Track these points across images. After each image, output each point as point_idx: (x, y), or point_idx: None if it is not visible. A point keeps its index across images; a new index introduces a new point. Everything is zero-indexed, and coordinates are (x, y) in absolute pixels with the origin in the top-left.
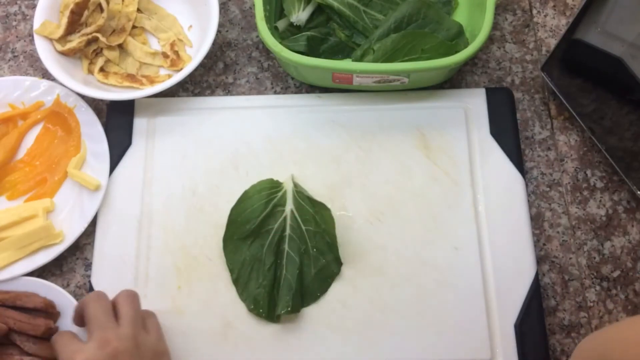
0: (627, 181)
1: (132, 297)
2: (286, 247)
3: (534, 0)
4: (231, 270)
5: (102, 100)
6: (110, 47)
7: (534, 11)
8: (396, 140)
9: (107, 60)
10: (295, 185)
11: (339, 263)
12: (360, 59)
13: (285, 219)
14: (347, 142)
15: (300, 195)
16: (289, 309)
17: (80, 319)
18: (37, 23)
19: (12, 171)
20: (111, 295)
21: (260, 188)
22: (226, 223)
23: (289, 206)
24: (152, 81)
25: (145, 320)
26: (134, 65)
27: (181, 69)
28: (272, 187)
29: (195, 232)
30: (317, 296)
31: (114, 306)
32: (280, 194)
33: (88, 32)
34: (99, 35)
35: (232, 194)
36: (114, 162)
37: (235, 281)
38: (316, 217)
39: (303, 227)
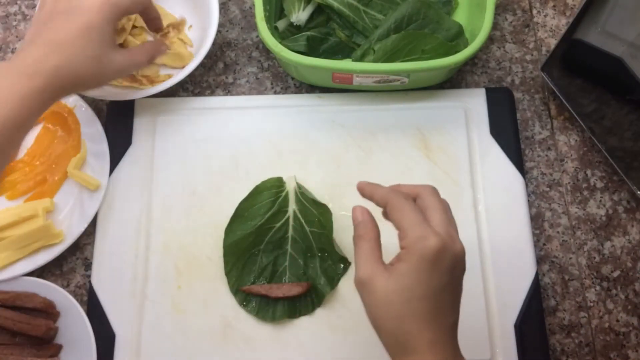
0: (627, 181)
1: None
2: (289, 248)
3: (534, 0)
4: (225, 262)
5: (102, 100)
6: None
7: (534, 11)
8: (396, 140)
9: None
10: (299, 186)
11: (346, 262)
12: (361, 59)
13: (287, 220)
14: (347, 142)
15: (304, 196)
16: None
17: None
18: None
19: (12, 171)
20: (111, 295)
21: (270, 185)
22: (231, 216)
23: (292, 207)
24: (152, 81)
25: None
26: None
27: (183, 66)
28: (279, 186)
29: (195, 232)
30: (324, 294)
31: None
32: (283, 194)
33: None
34: None
35: (232, 193)
36: (114, 162)
37: (228, 273)
38: (321, 219)
39: (307, 229)
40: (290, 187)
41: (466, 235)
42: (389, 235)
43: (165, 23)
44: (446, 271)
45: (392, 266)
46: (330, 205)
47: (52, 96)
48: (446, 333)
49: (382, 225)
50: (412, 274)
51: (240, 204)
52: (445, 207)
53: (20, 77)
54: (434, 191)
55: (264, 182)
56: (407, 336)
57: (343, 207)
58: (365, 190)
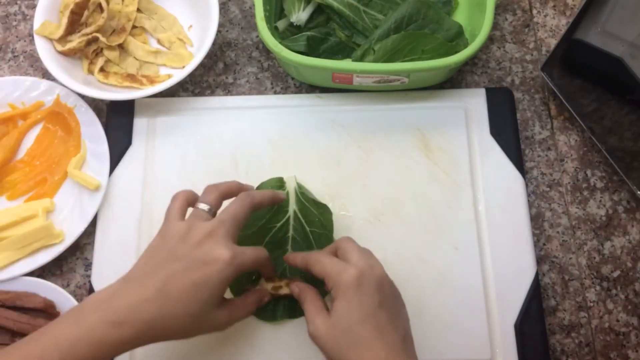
0: (627, 181)
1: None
2: (289, 248)
3: (534, 0)
4: None
5: (102, 100)
6: (110, 47)
7: (534, 11)
8: (396, 140)
9: (107, 60)
10: (300, 186)
11: None
12: (361, 59)
13: (288, 220)
14: (347, 142)
15: (304, 196)
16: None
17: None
18: (37, 23)
19: (12, 171)
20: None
21: (271, 185)
22: None
23: (292, 207)
24: (152, 81)
25: None
26: (134, 65)
27: (183, 66)
28: (279, 187)
29: None
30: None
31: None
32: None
33: (88, 32)
34: (99, 35)
35: None
36: (114, 162)
37: (233, 285)
38: (321, 219)
39: (308, 229)
40: (290, 187)
41: (466, 235)
42: (384, 235)
43: (168, 27)
44: (374, 292)
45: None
46: (330, 205)
47: (134, 345)
48: (396, 349)
49: (382, 225)
50: (343, 305)
51: None
52: (359, 246)
53: (104, 325)
54: (349, 238)
55: (264, 182)
56: None
57: (343, 207)
58: (289, 260)
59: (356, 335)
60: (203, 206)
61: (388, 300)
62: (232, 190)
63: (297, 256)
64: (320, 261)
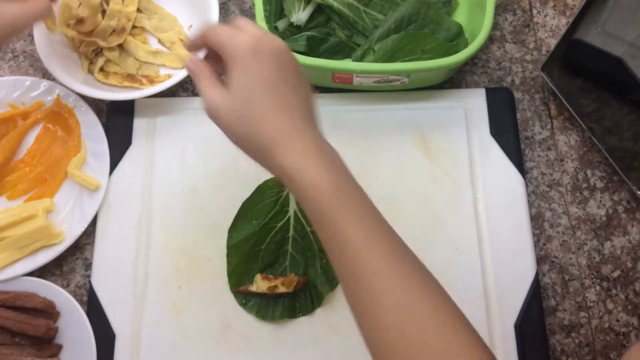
0: (627, 181)
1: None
2: (289, 248)
3: (534, 0)
4: (228, 263)
5: (102, 100)
6: (110, 47)
7: (534, 11)
8: (396, 140)
9: (107, 60)
10: None
11: None
12: (361, 59)
13: (289, 220)
14: (347, 142)
15: None
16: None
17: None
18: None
19: (12, 171)
20: (111, 295)
21: (272, 184)
22: (235, 215)
23: (293, 207)
24: (152, 81)
25: None
26: (134, 65)
27: (183, 66)
28: (280, 186)
29: (195, 232)
30: (324, 294)
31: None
32: (284, 194)
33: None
34: (97, 40)
35: (232, 194)
36: (114, 162)
37: (230, 273)
38: None
39: (308, 229)
40: None
41: (466, 235)
42: None
43: (168, 27)
44: (271, 60)
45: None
46: None
47: None
48: (299, 120)
49: None
50: (240, 75)
51: (244, 203)
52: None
53: None
54: (245, 18)
55: (265, 182)
56: (262, 135)
57: None
58: (190, 45)
59: (257, 106)
60: None
61: (288, 71)
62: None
63: (194, 37)
64: (216, 32)
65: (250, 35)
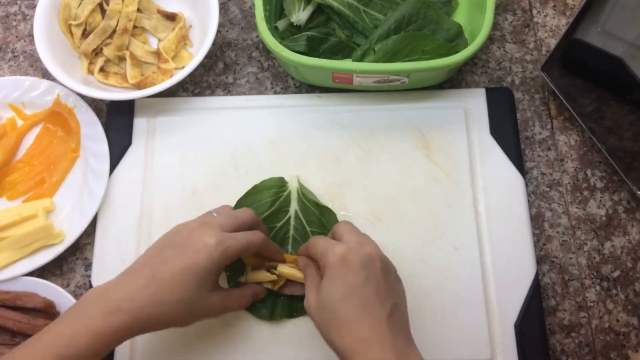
0: (627, 181)
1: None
2: (290, 248)
3: (534, 0)
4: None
5: (102, 100)
6: (121, 56)
7: (534, 11)
8: (396, 140)
9: (107, 60)
10: (301, 186)
11: None
12: (361, 59)
13: (289, 219)
14: (347, 142)
15: (306, 197)
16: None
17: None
18: (37, 23)
19: (12, 171)
20: None
21: (270, 185)
22: None
23: (294, 207)
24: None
25: None
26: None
27: (183, 66)
28: (280, 186)
29: None
30: None
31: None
32: (284, 194)
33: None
34: (104, 48)
35: (232, 194)
36: (114, 162)
37: (230, 274)
38: (322, 219)
39: (308, 229)
40: (292, 187)
41: (466, 235)
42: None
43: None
44: (359, 269)
45: None
46: (330, 205)
47: (132, 333)
48: (380, 327)
49: (382, 225)
50: (328, 282)
51: (237, 203)
52: (355, 228)
53: (101, 314)
54: (347, 222)
55: (263, 182)
56: (342, 343)
57: (343, 207)
58: (301, 251)
59: (338, 314)
60: (214, 212)
61: (376, 276)
62: (248, 219)
63: (300, 249)
64: (315, 244)
65: (343, 246)
